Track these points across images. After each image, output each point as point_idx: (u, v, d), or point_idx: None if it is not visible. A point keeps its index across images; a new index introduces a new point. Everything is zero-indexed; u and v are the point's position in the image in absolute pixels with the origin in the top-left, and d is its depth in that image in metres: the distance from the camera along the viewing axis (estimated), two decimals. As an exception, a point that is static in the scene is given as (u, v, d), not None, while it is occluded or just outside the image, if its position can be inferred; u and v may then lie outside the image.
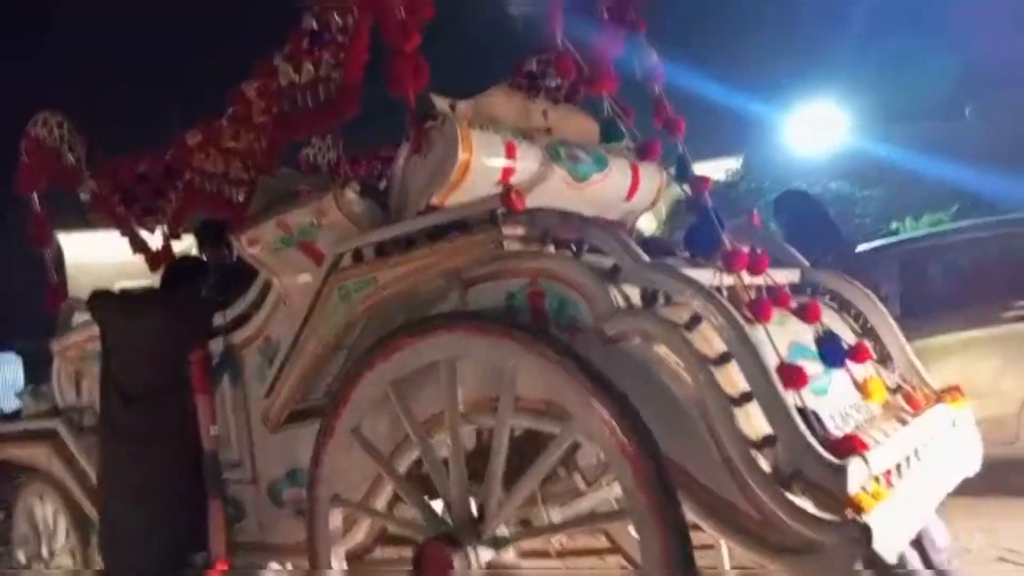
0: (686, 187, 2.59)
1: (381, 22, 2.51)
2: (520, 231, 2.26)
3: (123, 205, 3.48)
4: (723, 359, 1.99)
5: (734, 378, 1.96)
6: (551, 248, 2.30)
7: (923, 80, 14.16)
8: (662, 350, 2.02)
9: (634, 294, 2.17)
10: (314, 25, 2.73)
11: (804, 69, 14.98)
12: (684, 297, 2.09)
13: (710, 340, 2.03)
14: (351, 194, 2.50)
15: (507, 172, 2.53)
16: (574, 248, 2.32)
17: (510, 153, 2.52)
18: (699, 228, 2.49)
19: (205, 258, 3.94)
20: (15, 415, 4.53)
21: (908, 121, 14.29)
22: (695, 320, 2.06)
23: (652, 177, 3.08)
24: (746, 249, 2.27)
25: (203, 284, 3.49)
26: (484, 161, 2.43)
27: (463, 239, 2.25)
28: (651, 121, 2.78)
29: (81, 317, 4.04)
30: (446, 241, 2.30)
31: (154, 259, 3.51)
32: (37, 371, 4.85)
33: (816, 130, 14.37)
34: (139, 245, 3.54)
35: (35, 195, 3.89)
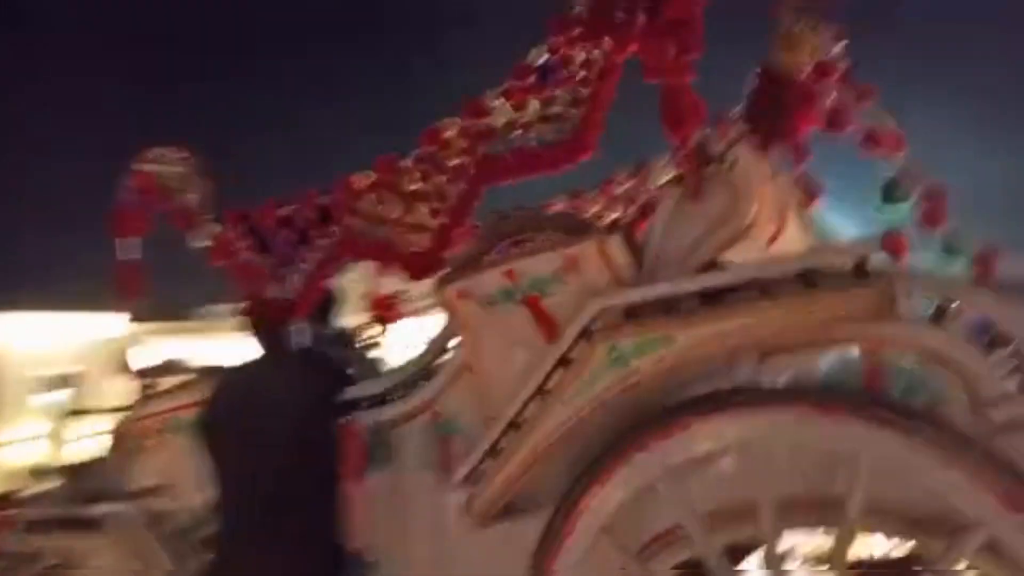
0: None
1: (646, 58, 2.22)
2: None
3: (253, 253, 3.02)
4: None
5: None
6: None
7: None
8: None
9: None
10: (543, 60, 2.45)
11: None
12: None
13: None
14: (617, 242, 2.11)
15: (777, 232, 2.19)
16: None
17: (782, 208, 2.19)
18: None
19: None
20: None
21: None
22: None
23: None
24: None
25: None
26: (766, 214, 2.09)
27: (842, 293, 1.79)
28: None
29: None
30: (806, 294, 1.82)
31: (288, 307, 2.98)
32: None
33: None
34: (259, 300, 3.05)
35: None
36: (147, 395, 3.37)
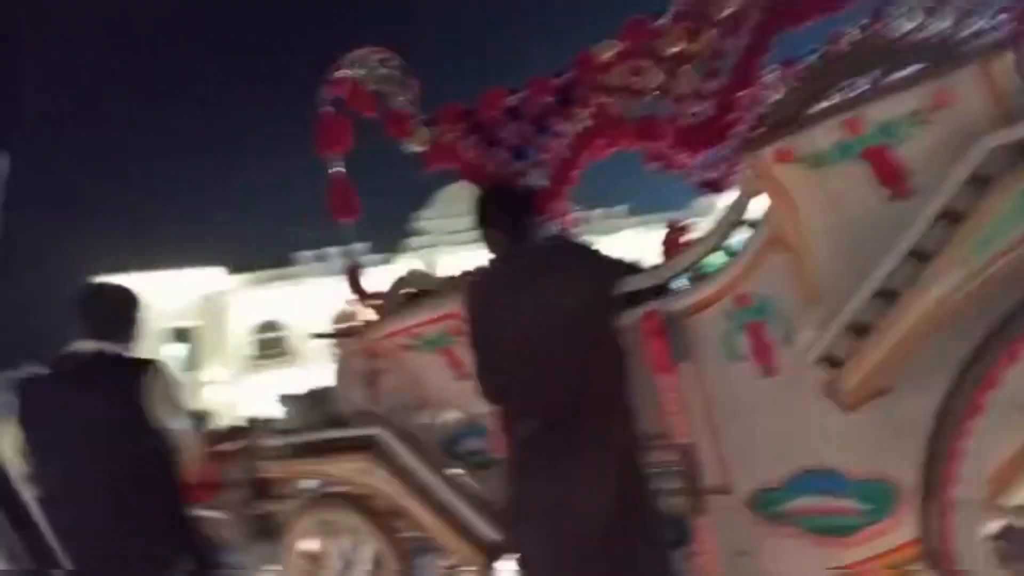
0: None
1: None
2: None
3: (478, 152, 2.78)
4: None
5: None
6: None
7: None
8: None
9: None
10: None
11: None
12: None
13: None
14: (1007, 64, 1.74)
15: None
16: None
17: None
18: None
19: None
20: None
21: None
22: None
23: None
24: None
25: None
26: None
27: None
28: None
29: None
30: None
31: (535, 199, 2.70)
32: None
33: None
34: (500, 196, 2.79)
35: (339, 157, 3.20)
36: (381, 315, 3.28)
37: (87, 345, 2.50)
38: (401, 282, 3.13)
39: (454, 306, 2.92)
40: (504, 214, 2.42)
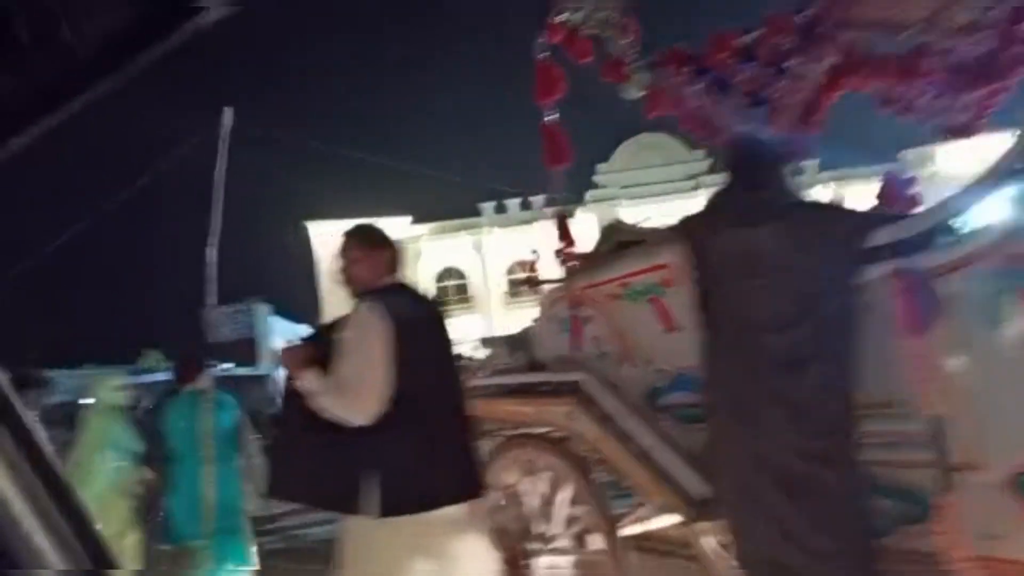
0: None
1: None
2: None
3: (708, 95, 2.65)
4: None
5: None
6: None
7: None
8: None
9: None
10: None
11: None
12: None
13: None
14: None
15: None
16: None
17: None
18: None
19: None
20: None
21: None
22: None
23: None
24: None
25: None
26: None
27: None
28: None
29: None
30: None
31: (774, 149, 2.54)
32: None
33: None
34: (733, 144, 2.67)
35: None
36: (588, 263, 3.29)
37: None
38: (611, 231, 3.10)
39: (666, 257, 2.86)
40: (751, 166, 2.32)
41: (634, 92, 2.85)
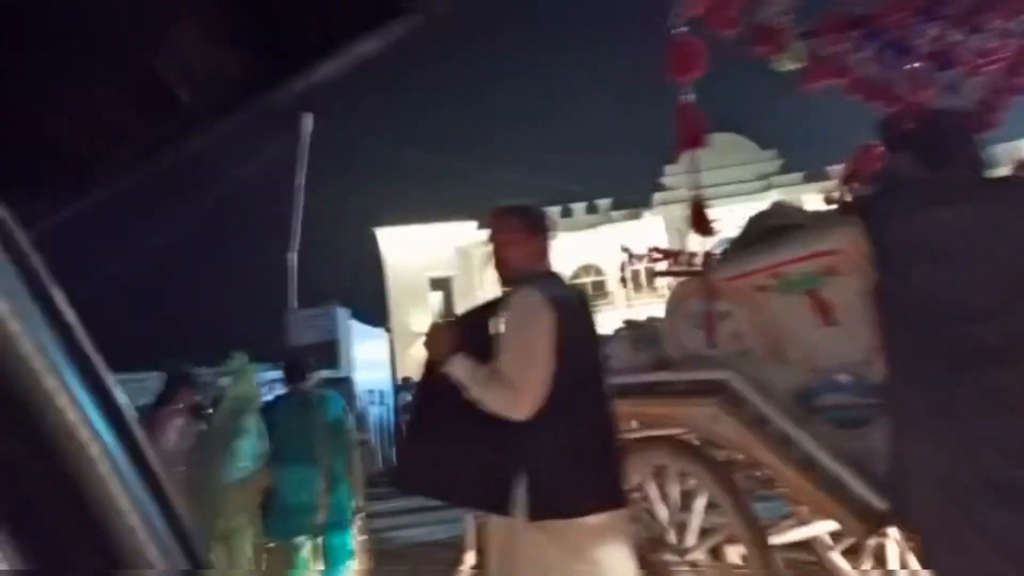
0: None
1: None
2: None
3: (882, 63, 2.38)
4: None
5: None
6: None
7: None
8: None
9: None
10: None
11: None
12: None
13: None
14: None
15: None
16: None
17: None
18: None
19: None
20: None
21: None
22: None
23: None
24: None
25: None
26: None
27: None
28: None
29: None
30: None
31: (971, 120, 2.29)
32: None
33: None
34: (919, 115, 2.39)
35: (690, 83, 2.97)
36: (729, 253, 3.06)
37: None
38: (762, 216, 2.86)
39: (832, 243, 2.61)
40: (939, 140, 2.05)
41: (790, 64, 2.61)
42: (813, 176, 25.68)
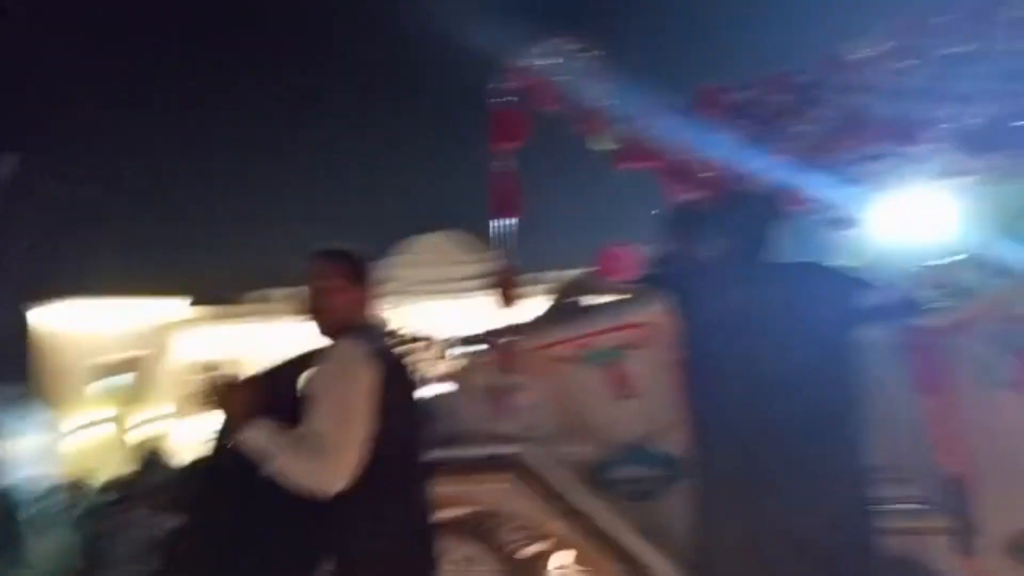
0: None
1: None
2: None
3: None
4: None
5: None
6: None
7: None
8: None
9: None
10: None
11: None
12: None
13: None
14: None
15: None
16: None
17: None
18: None
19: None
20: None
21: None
22: None
23: None
24: None
25: None
26: None
27: None
28: None
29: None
30: None
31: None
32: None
33: None
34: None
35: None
36: (532, 322, 3.00)
37: None
38: (571, 288, 2.88)
39: (635, 316, 2.69)
40: (746, 222, 2.22)
41: (607, 144, 2.74)
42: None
